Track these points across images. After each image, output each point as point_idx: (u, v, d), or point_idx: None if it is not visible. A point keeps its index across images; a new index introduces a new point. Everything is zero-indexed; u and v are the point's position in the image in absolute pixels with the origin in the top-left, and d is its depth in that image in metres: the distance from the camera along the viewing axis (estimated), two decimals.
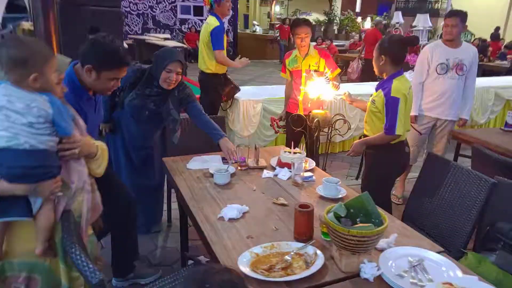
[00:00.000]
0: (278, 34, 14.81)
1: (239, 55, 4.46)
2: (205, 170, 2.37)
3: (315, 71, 3.53)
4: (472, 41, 13.35)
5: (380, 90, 2.56)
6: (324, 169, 3.48)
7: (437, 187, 2.31)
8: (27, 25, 4.54)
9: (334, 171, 4.60)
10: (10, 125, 1.35)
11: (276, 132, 3.93)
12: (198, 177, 2.30)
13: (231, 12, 4.47)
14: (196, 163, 2.47)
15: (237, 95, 4.60)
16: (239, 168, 2.41)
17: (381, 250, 1.53)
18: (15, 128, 1.35)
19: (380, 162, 2.59)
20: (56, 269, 1.54)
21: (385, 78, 2.58)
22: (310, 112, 3.37)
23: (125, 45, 7.68)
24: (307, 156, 3.79)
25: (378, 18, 9.13)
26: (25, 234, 1.48)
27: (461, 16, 3.32)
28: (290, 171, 2.30)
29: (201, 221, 1.80)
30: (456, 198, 2.17)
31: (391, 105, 2.45)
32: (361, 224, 1.41)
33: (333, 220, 1.38)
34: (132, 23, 13.77)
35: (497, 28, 11.61)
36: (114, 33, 3.47)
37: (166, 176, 2.97)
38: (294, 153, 2.44)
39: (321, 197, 2.03)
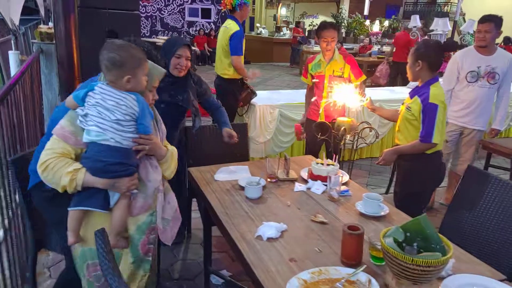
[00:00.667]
0: (300, 37, 14.42)
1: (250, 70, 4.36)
2: (234, 182, 2.25)
3: (339, 77, 3.41)
4: None
5: (416, 96, 2.44)
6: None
7: (479, 203, 2.18)
8: (44, 28, 4.47)
9: (353, 179, 4.46)
10: (101, 121, 1.50)
11: (298, 139, 3.81)
12: (228, 189, 2.18)
13: (247, 15, 4.37)
14: (223, 174, 2.34)
15: (253, 100, 4.49)
16: (268, 180, 2.28)
17: (439, 278, 1.40)
18: (104, 124, 1.50)
19: (416, 174, 2.46)
20: (125, 261, 1.65)
21: (419, 84, 2.47)
22: (333, 119, 3.25)
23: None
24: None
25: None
26: (101, 223, 1.56)
27: (495, 21, 3.18)
28: (324, 184, 2.18)
29: (237, 240, 1.67)
30: (502, 217, 2.04)
31: (429, 112, 2.34)
32: (425, 253, 1.28)
33: (394, 247, 1.26)
34: (141, 25, 13.72)
35: None
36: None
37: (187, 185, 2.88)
38: (328, 165, 2.31)
39: (361, 214, 1.91)
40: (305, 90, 3.78)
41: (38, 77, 4.27)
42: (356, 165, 4.94)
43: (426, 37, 9.03)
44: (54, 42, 3.74)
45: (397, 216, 1.93)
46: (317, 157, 3.77)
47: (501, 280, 1.43)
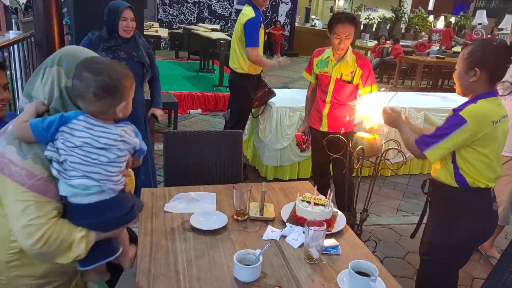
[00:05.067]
0: None
1: (278, 55, 3.76)
2: (188, 215, 1.68)
3: (348, 82, 2.74)
4: None
5: None
6: (366, 210, 2.69)
7: None
8: None
9: (382, 201, 3.75)
10: (91, 169, 1.15)
11: (302, 151, 3.27)
12: (173, 228, 1.62)
13: (268, 3, 3.69)
14: (178, 203, 1.78)
15: (271, 100, 3.89)
16: (234, 217, 1.70)
17: None
18: (98, 174, 1.16)
19: (453, 220, 1.77)
20: None
21: (469, 98, 1.77)
22: (341, 130, 2.58)
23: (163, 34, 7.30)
24: (340, 190, 3.00)
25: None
26: None
27: None
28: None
29: None
30: None
31: (450, 122, 1.67)
32: None
33: None
34: (188, 12, 13.41)
35: None
36: (136, 13, 2.86)
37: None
38: (316, 204, 1.68)
39: None
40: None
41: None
42: (389, 183, 4.20)
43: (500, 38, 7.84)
44: None
45: None
46: (323, 178, 3.12)
47: None
